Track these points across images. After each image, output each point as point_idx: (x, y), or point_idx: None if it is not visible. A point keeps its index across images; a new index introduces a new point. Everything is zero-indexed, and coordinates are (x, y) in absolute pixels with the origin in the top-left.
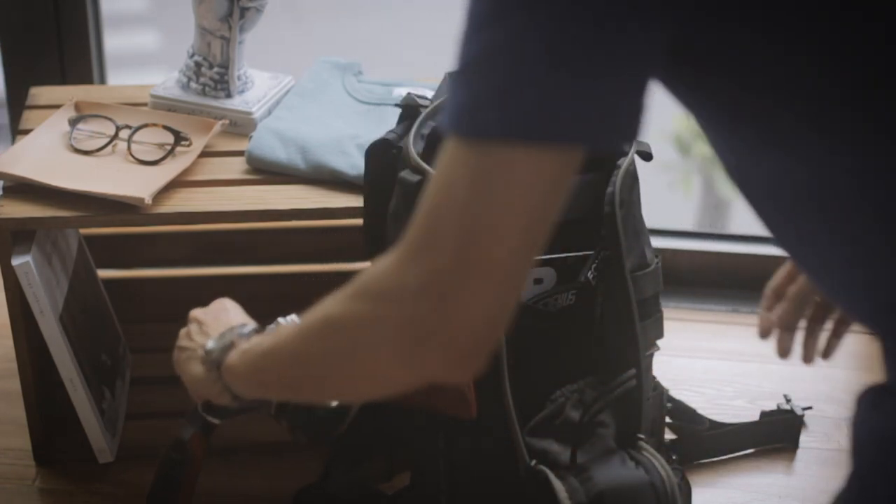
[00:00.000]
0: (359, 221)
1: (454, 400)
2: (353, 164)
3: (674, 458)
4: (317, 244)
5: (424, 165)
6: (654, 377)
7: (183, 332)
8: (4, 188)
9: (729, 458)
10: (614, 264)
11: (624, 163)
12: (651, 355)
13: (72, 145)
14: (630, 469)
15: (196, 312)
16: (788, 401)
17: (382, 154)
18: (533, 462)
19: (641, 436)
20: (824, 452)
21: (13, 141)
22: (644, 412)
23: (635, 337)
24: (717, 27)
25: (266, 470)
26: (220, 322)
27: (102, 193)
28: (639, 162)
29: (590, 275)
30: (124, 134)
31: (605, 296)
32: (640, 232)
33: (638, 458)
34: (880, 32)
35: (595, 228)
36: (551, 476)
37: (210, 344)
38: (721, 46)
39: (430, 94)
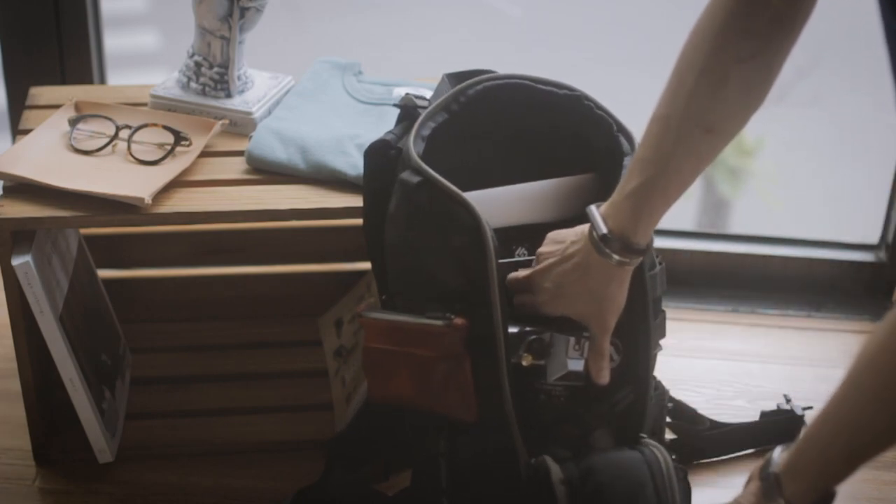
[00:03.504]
0: (359, 221)
1: (456, 403)
2: (353, 164)
3: (674, 457)
4: (317, 244)
5: (425, 167)
6: (654, 376)
7: None
8: (4, 188)
9: (729, 458)
10: None
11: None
12: (655, 355)
13: (72, 145)
14: (625, 451)
15: None
16: (788, 401)
17: (382, 154)
18: (533, 461)
19: (643, 435)
20: None
21: (13, 141)
22: (647, 414)
23: (648, 336)
24: None
25: (266, 470)
26: None
27: (102, 193)
28: None
29: None
30: (124, 134)
31: None
32: None
33: (637, 448)
34: None
35: None
36: (549, 460)
37: None
38: None
39: (428, 94)
